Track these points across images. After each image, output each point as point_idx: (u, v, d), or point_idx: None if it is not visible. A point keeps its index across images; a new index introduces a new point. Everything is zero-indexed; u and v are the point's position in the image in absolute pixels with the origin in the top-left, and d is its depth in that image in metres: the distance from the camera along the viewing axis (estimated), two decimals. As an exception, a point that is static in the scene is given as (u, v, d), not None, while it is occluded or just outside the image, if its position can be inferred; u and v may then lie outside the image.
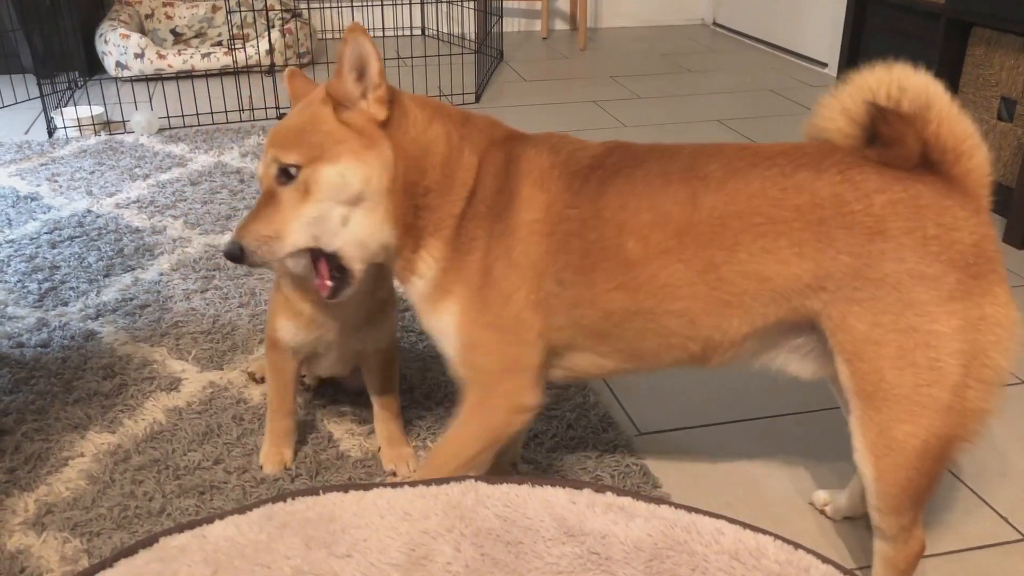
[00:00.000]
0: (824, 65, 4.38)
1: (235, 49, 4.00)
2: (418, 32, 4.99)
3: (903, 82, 1.15)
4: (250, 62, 4.03)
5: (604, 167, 1.27)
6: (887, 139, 1.15)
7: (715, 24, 5.41)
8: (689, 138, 3.38)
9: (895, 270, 1.13)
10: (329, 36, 4.79)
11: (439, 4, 4.76)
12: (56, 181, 2.87)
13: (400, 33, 4.75)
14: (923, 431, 1.15)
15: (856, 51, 3.59)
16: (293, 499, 1.10)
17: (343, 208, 1.24)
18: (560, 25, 5.37)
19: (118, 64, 3.92)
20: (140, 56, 3.90)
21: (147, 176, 2.92)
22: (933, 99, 1.14)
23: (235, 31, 4.28)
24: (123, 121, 3.41)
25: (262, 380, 1.84)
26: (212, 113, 3.45)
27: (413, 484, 1.13)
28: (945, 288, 1.12)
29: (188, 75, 3.92)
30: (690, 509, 1.09)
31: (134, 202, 2.72)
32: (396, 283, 1.53)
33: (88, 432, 1.69)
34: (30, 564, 1.39)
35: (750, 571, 1.00)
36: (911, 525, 1.24)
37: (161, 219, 2.61)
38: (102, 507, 1.50)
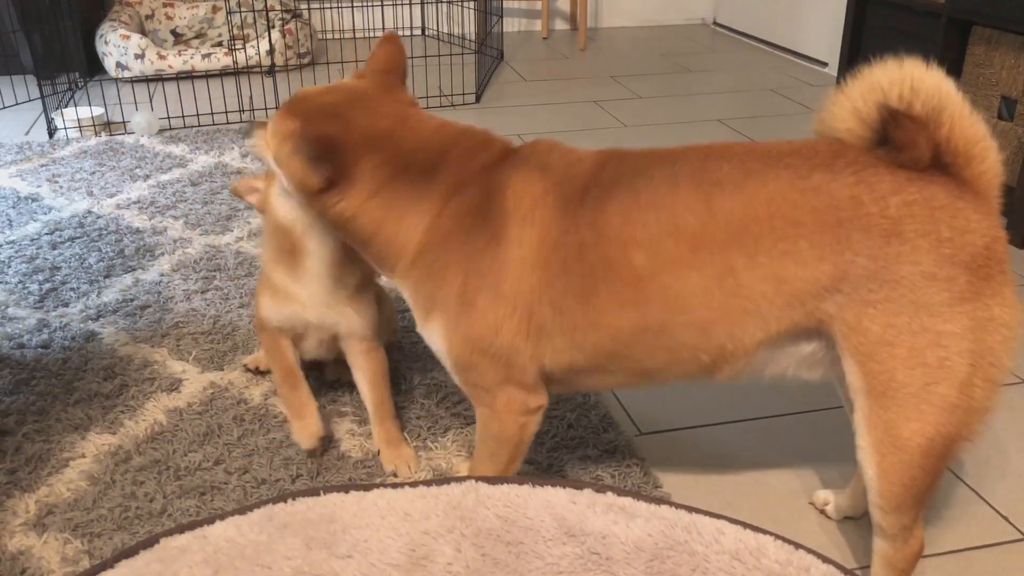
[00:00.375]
0: (824, 64, 4.38)
1: (235, 50, 4.00)
2: (418, 32, 4.99)
3: (916, 83, 1.13)
4: (250, 63, 4.03)
5: (599, 183, 1.25)
6: (899, 143, 1.14)
7: (715, 24, 5.41)
8: (689, 138, 3.38)
9: (911, 272, 1.12)
10: (329, 36, 4.79)
11: (439, 4, 4.76)
12: (56, 182, 2.87)
13: (400, 33, 4.72)
14: (930, 429, 1.15)
15: (856, 50, 3.59)
16: (294, 500, 1.10)
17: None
18: (560, 25, 5.37)
19: (118, 65, 3.92)
20: (140, 57, 3.90)
21: (147, 177, 2.92)
22: (946, 101, 1.12)
23: (235, 32, 4.28)
24: (123, 122, 3.41)
25: (258, 371, 1.87)
26: (212, 114, 3.45)
27: (414, 485, 1.13)
28: (957, 289, 1.12)
29: (188, 76, 3.93)
30: (691, 509, 1.09)
31: (134, 203, 2.72)
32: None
33: (89, 433, 1.69)
34: (31, 565, 1.39)
35: (751, 571, 1.00)
36: (912, 524, 1.24)
37: (162, 220, 2.61)
38: (103, 508, 1.50)
